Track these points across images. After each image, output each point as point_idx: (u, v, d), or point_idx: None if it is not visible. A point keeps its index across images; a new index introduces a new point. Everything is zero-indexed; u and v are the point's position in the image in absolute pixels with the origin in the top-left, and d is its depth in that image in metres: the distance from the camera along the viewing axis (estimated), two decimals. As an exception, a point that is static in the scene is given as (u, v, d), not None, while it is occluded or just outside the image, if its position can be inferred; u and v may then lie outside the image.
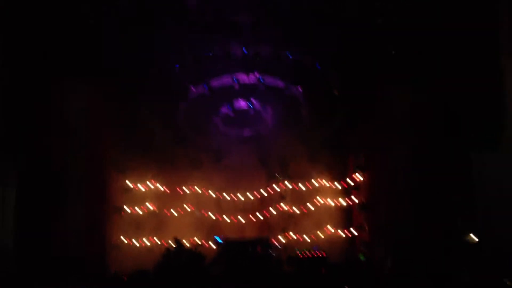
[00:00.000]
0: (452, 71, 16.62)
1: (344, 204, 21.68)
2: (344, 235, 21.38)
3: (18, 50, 16.37)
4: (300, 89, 21.45)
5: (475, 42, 16.08)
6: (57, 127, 17.65)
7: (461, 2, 16.26)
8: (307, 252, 18.60)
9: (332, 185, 22.00)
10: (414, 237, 17.44)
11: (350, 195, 21.61)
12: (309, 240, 21.13)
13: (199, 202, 21.76)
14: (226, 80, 21.20)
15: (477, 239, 16.29)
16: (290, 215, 21.74)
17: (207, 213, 21.65)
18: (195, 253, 17.90)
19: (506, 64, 15.95)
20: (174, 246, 17.94)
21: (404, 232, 17.82)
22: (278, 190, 22.10)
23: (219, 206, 21.96)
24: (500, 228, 15.55)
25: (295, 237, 21.45)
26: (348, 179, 21.76)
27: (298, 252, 18.79)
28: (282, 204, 21.97)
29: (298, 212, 21.71)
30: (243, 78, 21.21)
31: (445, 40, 16.67)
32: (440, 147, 17.48)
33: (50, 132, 17.35)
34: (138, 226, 20.62)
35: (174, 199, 21.53)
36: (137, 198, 20.97)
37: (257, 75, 21.08)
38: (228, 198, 22.04)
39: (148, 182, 21.25)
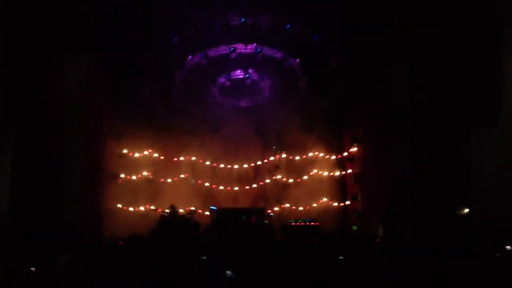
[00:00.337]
0: (451, 57, 16.60)
1: (339, 175, 21.85)
2: (338, 205, 21.59)
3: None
4: (298, 61, 21.43)
5: (474, 30, 15.99)
6: (54, 94, 17.53)
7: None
8: (300, 222, 18.75)
9: (327, 156, 22.15)
10: (408, 212, 17.55)
11: (345, 167, 21.75)
12: (302, 209, 21.45)
13: (195, 171, 21.97)
14: (223, 50, 21.14)
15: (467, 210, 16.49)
16: (285, 185, 21.96)
17: (202, 182, 21.88)
18: (190, 221, 18.05)
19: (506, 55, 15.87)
20: (169, 213, 18.03)
21: (398, 205, 17.95)
22: (274, 160, 22.37)
23: (215, 175, 22.20)
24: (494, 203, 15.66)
25: (289, 207, 21.79)
26: (343, 151, 21.91)
27: (292, 222, 18.95)
28: (277, 174, 22.22)
29: (293, 182, 21.97)
30: (241, 48, 21.18)
31: (445, 19, 16.58)
32: (437, 126, 17.48)
33: (46, 100, 17.25)
34: (133, 193, 20.77)
35: (170, 167, 21.72)
36: (133, 166, 21.11)
37: (255, 46, 21.03)
38: (224, 167, 22.31)
39: (144, 150, 21.45)
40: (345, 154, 21.75)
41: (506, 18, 15.66)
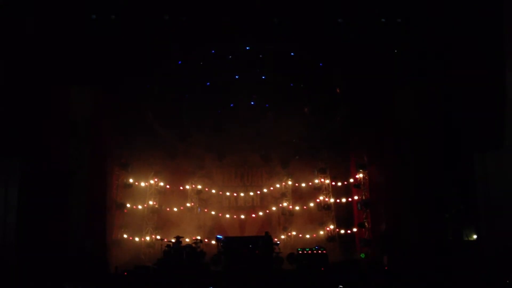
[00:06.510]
0: (455, 72, 16.60)
1: (346, 201, 21.73)
2: (345, 233, 21.42)
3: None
4: (303, 87, 21.43)
5: (477, 43, 16.02)
6: (60, 125, 17.61)
7: (464, 1, 16.20)
8: (307, 250, 18.56)
9: (333, 183, 22.08)
10: (415, 237, 17.41)
11: (352, 193, 21.62)
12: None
13: (201, 199, 21.91)
14: (229, 77, 21.17)
15: (475, 236, 16.33)
16: (291, 213, 21.82)
17: (208, 210, 21.80)
18: (196, 250, 17.93)
19: (508, 64, 15.86)
20: (174, 243, 17.91)
21: (405, 232, 17.81)
22: (280, 187, 22.29)
23: (221, 203, 22.14)
24: (502, 228, 15.54)
25: (296, 235, 21.62)
26: (349, 177, 21.82)
27: (299, 250, 18.77)
28: (283, 202, 22.10)
29: (299, 209, 21.88)
30: (246, 75, 21.20)
31: (448, 41, 16.62)
32: (443, 146, 17.44)
33: (52, 130, 17.30)
34: (139, 222, 20.73)
35: (176, 196, 21.68)
36: (139, 195, 21.08)
37: (260, 72, 21.07)
38: (230, 195, 22.23)
39: (150, 179, 21.43)
40: (351, 180, 21.64)
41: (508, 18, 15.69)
